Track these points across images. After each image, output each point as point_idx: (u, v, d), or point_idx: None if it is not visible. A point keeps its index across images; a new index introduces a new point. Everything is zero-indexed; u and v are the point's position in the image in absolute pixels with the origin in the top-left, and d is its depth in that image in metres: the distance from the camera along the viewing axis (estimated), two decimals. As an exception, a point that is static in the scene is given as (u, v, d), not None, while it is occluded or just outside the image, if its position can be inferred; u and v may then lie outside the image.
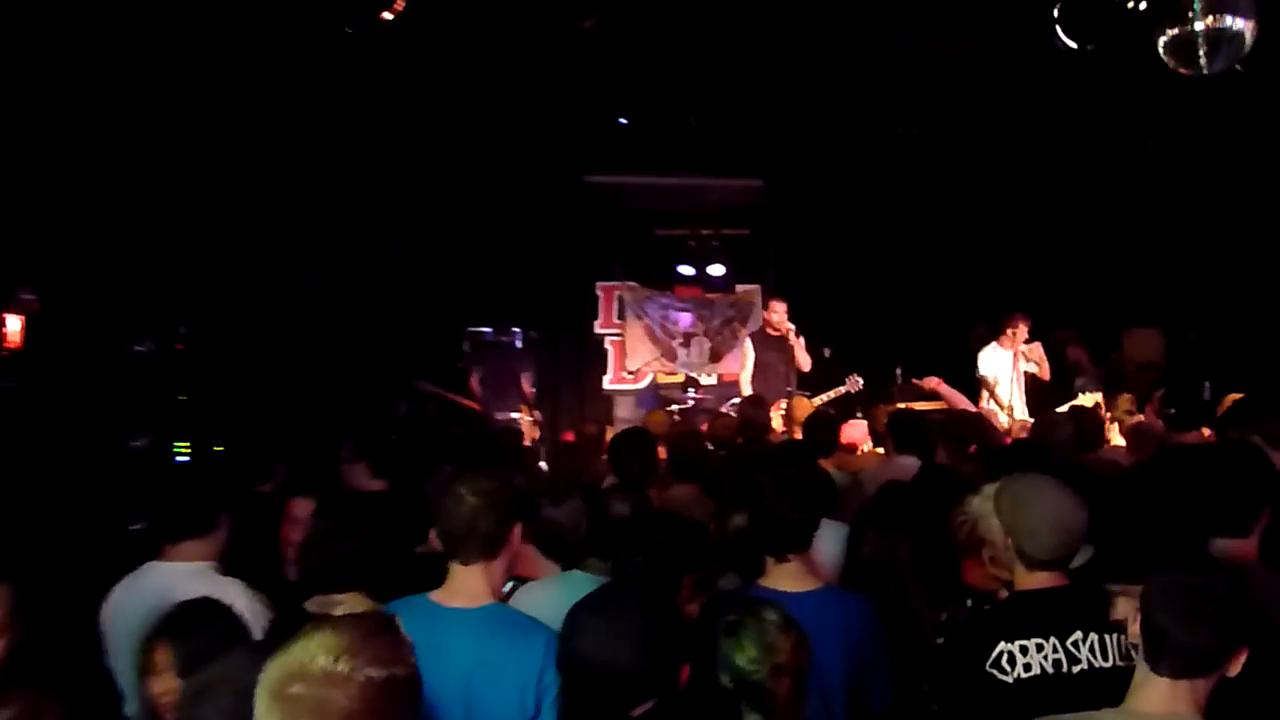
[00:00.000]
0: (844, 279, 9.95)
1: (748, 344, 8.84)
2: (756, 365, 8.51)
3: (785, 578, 2.93)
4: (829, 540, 3.36)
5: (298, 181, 7.00)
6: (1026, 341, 7.76)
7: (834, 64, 7.38)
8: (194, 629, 2.51)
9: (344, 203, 7.42)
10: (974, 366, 7.96)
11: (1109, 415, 6.94)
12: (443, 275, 9.04)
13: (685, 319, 10.77)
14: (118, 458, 5.49)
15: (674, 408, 9.23)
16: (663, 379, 10.63)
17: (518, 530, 2.73)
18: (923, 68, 7.36)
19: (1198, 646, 1.99)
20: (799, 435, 6.11)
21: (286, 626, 2.36)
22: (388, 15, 5.20)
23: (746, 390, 8.28)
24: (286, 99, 6.49)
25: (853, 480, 4.88)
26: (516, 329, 9.85)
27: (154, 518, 3.44)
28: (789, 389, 8.16)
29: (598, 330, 10.88)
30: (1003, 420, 7.46)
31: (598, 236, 10.51)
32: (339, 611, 2.48)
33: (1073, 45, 5.79)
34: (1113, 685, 2.17)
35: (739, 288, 10.77)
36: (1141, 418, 6.47)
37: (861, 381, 8.21)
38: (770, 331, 8.49)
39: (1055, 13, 5.74)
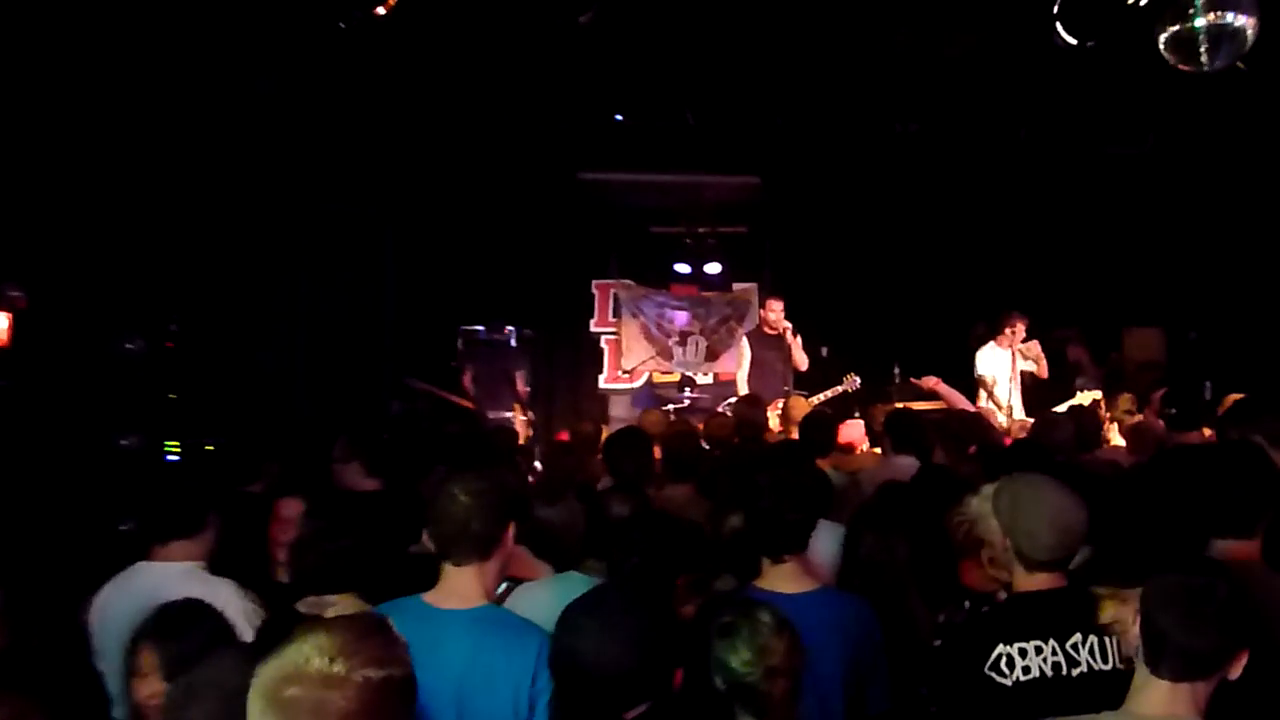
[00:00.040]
0: (842, 277, 9.93)
1: (744, 343, 8.82)
2: (753, 364, 8.49)
3: (782, 579, 2.91)
4: (826, 541, 3.34)
5: (289, 177, 6.97)
6: (1024, 340, 7.74)
7: (832, 60, 7.37)
8: (179, 631, 2.49)
9: (336, 199, 7.38)
10: (972, 366, 7.94)
11: (1108, 415, 6.93)
12: (436, 272, 9.01)
13: (681, 317, 10.72)
14: (107, 457, 5.46)
15: (670, 407, 9.17)
16: (659, 378, 10.58)
17: (511, 531, 2.71)
18: (921, 64, 7.34)
19: (1198, 648, 1.97)
20: (796, 435, 6.08)
21: (277, 628, 2.34)
22: (381, 10, 5.18)
23: (743, 389, 8.26)
24: (278, 94, 6.46)
25: (850, 480, 4.86)
26: (510, 327, 9.82)
27: (142, 518, 3.41)
28: (786, 388, 8.13)
29: (593, 329, 10.84)
30: (1001, 420, 7.44)
31: (593, 234, 10.48)
32: (331, 613, 2.46)
33: (1073, 41, 5.78)
34: (1113, 688, 2.15)
35: (736, 286, 10.73)
36: (1141, 417, 6.46)
37: (859, 381, 8.19)
38: (767, 330, 8.47)
39: (1055, 9, 5.73)
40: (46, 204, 5.33)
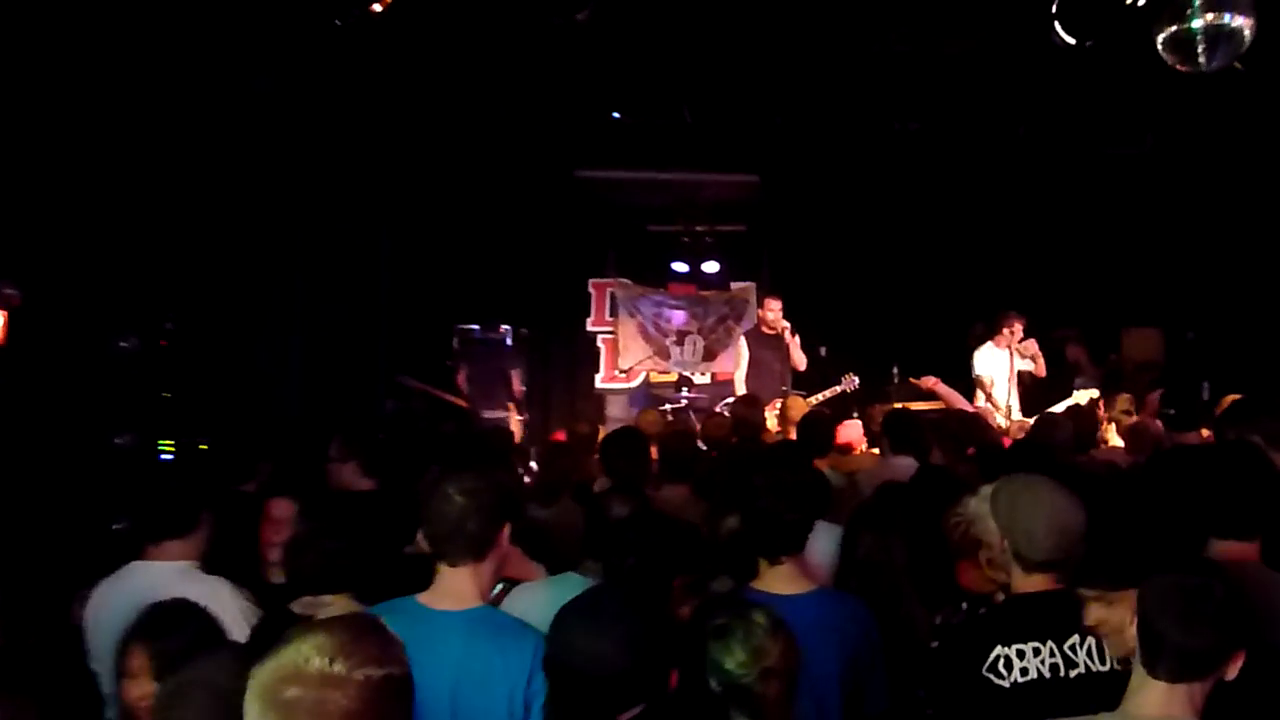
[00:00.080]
0: (840, 276, 9.93)
1: (742, 342, 8.81)
2: (751, 364, 8.48)
3: (779, 580, 2.90)
4: (823, 542, 3.33)
5: (284, 176, 6.95)
6: (1021, 339, 7.73)
7: (831, 58, 7.37)
8: (168, 631, 2.48)
9: (331, 197, 7.36)
10: (970, 366, 7.93)
11: (1106, 415, 6.92)
12: (431, 271, 8.98)
13: (679, 317, 10.71)
14: (101, 455, 5.44)
15: (667, 407, 9.17)
16: (656, 378, 10.57)
17: (506, 531, 2.70)
18: (920, 63, 7.34)
19: (1195, 649, 1.97)
20: (794, 435, 6.07)
21: (271, 628, 2.33)
22: (377, 7, 5.18)
23: (741, 389, 8.25)
24: (273, 92, 6.44)
25: (848, 481, 4.85)
26: (506, 326, 9.79)
27: (135, 517, 3.40)
28: (784, 388, 8.11)
29: (590, 328, 10.83)
30: (1000, 420, 7.43)
31: (590, 232, 10.47)
32: (326, 614, 2.46)
33: (1071, 41, 5.78)
34: (1110, 689, 2.14)
35: (733, 285, 10.73)
36: (1139, 418, 6.45)
37: (857, 380, 8.19)
38: (765, 330, 8.45)
39: (1054, 9, 5.72)
40: (41, 202, 5.31)
